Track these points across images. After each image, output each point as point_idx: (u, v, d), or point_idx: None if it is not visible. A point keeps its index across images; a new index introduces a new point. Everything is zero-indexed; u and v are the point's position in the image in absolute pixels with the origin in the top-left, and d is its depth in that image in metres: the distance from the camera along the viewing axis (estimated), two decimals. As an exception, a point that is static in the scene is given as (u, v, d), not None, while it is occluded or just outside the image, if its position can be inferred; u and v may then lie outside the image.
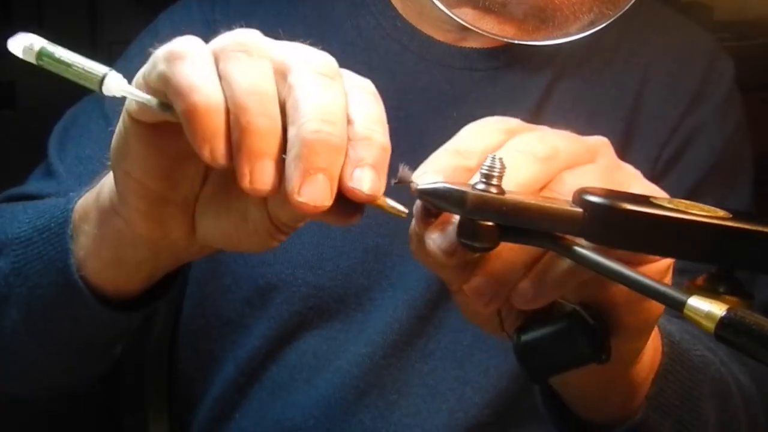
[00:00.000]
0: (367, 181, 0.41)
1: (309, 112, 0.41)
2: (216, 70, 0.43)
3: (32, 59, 0.45)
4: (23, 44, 0.45)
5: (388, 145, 0.43)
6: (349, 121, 0.42)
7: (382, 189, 0.42)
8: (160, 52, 0.43)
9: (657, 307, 0.52)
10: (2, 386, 0.73)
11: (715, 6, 1.64)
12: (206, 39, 0.45)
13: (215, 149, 0.41)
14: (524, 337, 0.49)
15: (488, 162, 0.42)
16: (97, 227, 0.56)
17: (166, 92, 0.43)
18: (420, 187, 0.44)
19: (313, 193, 0.40)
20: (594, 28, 0.74)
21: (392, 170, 0.45)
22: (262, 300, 0.79)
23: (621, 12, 0.74)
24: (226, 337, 0.82)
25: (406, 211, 0.44)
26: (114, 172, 0.50)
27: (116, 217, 0.52)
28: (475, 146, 0.46)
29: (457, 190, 0.42)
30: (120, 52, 0.88)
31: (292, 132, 0.41)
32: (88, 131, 0.80)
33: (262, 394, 0.81)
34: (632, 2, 0.74)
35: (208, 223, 0.50)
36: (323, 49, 0.45)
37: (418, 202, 0.45)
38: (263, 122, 0.41)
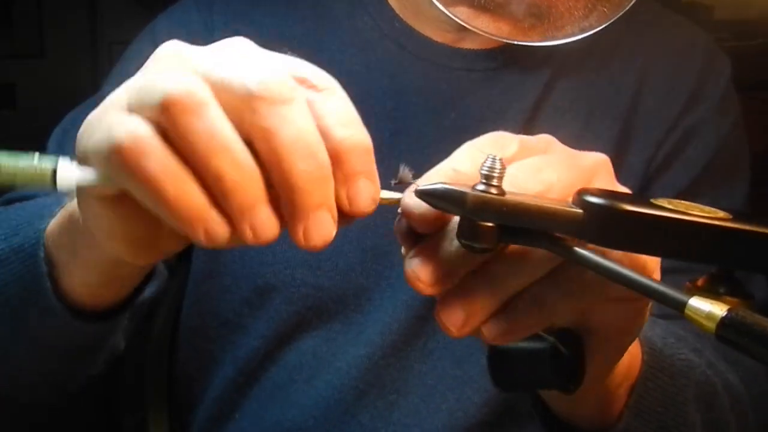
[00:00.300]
0: (364, 196, 0.41)
1: (282, 155, 0.38)
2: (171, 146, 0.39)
3: None
4: None
5: (368, 141, 0.41)
6: (323, 136, 0.40)
7: (378, 192, 0.42)
8: (105, 146, 0.39)
9: (634, 335, 0.53)
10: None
11: (715, 5, 1.64)
12: (205, 41, 0.44)
13: (210, 231, 0.39)
14: (500, 347, 0.50)
15: (488, 162, 0.42)
16: (80, 257, 0.55)
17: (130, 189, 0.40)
18: (420, 187, 0.44)
19: (319, 232, 0.40)
20: (593, 29, 0.74)
21: (392, 171, 0.45)
22: (260, 300, 0.79)
23: (620, 13, 0.74)
24: (224, 337, 0.82)
25: (400, 195, 0.44)
26: (93, 237, 0.46)
27: (106, 251, 0.50)
28: (471, 170, 0.44)
29: (457, 191, 0.42)
30: (120, 52, 0.88)
31: (275, 179, 0.39)
32: None
33: (261, 394, 0.81)
34: (632, 3, 0.74)
35: None
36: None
37: (402, 220, 0.45)
38: (241, 176, 0.39)
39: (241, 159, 0.39)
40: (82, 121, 0.87)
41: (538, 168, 0.45)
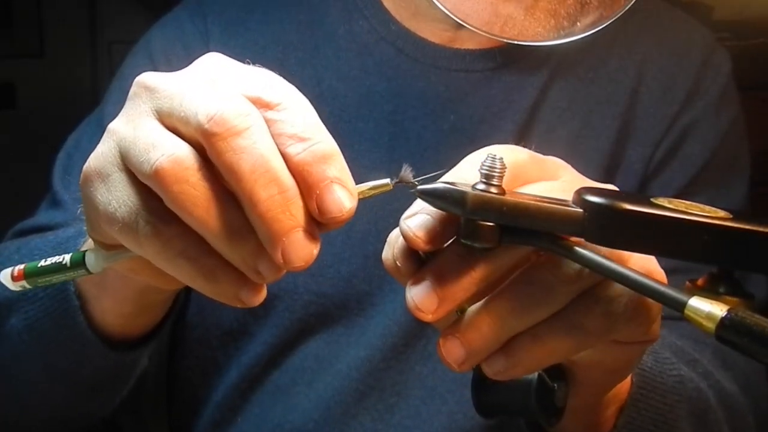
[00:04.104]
0: (333, 203, 0.41)
1: (246, 187, 0.39)
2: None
3: (24, 286, 0.48)
4: (8, 277, 0.48)
5: (327, 147, 0.41)
6: (282, 155, 0.40)
7: (355, 192, 0.42)
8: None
9: (625, 375, 0.53)
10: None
11: (715, 5, 1.64)
12: (200, 51, 0.45)
13: (243, 297, 0.42)
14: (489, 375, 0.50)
15: (488, 162, 0.42)
16: (110, 289, 0.57)
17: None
18: (420, 187, 0.43)
19: (297, 254, 0.40)
20: (593, 29, 0.74)
21: (392, 174, 0.44)
22: (264, 309, 0.79)
23: (620, 13, 0.74)
24: (228, 345, 0.82)
25: (389, 182, 0.44)
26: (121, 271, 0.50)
27: (137, 281, 0.52)
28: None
29: (457, 190, 0.42)
30: (120, 51, 0.87)
31: (247, 211, 0.40)
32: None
33: (263, 398, 0.81)
34: (632, 3, 0.73)
35: None
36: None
37: (401, 241, 0.45)
38: (219, 225, 0.40)
39: (233, 217, 0.40)
40: (84, 144, 0.87)
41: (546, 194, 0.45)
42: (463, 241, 0.43)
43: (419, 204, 0.44)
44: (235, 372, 0.81)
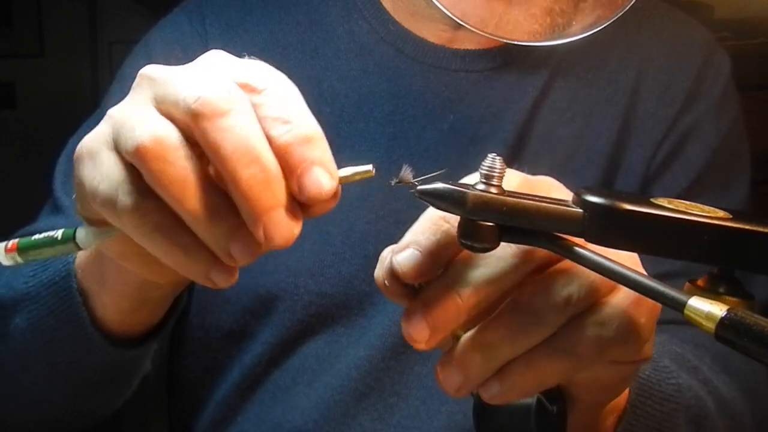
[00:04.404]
0: (313, 184, 0.41)
1: (228, 165, 0.40)
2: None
3: (16, 259, 0.48)
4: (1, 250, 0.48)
5: (310, 129, 0.42)
6: (267, 137, 0.41)
7: (336, 175, 0.42)
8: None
9: (621, 392, 0.54)
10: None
11: (715, 5, 1.64)
12: (199, 52, 0.46)
13: (214, 277, 0.43)
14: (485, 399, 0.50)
15: (488, 162, 0.42)
16: (109, 283, 0.57)
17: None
18: (420, 188, 0.43)
19: (279, 232, 0.41)
20: (593, 29, 0.74)
21: (391, 174, 0.44)
22: (264, 309, 0.79)
23: (620, 13, 0.74)
24: (229, 345, 0.82)
25: (372, 168, 0.44)
26: (112, 259, 0.51)
27: (134, 274, 0.53)
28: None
29: (457, 191, 0.42)
30: (120, 51, 0.87)
31: (230, 190, 0.41)
32: None
33: (264, 398, 0.81)
34: (632, 3, 0.73)
35: None
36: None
37: (387, 263, 0.45)
38: (201, 206, 0.41)
39: (210, 198, 0.41)
40: None
41: None
42: (462, 241, 0.43)
43: (409, 236, 0.45)
44: (236, 372, 0.81)
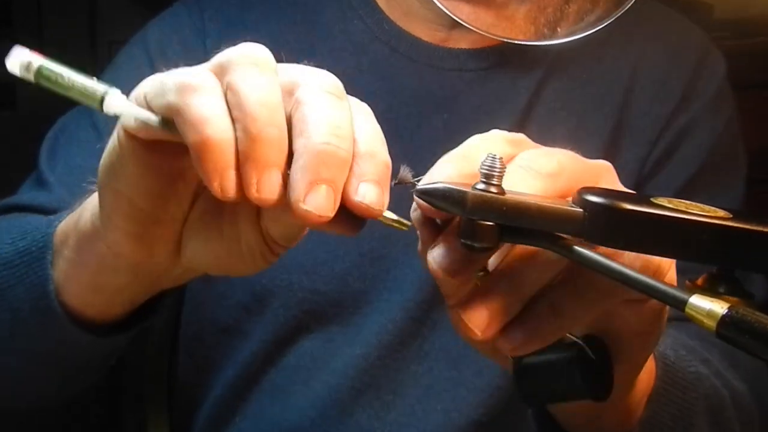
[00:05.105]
0: (371, 196, 0.42)
1: (318, 125, 0.41)
2: (225, 101, 0.42)
3: (30, 77, 0.44)
4: (20, 61, 0.44)
5: (390, 162, 0.43)
6: (353, 139, 0.42)
7: (386, 204, 0.43)
8: (170, 81, 0.42)
9: (656, 337, 0.52)
10: None
11: (715, 4, 1.64)
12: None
13: (225, 182, 0.41)
14: (525, 361, 0.49)
15: (488, 162, 0.42)
16: (76, 252, 0.55)
17: (177, 123, 0.42)
18: (420, 187, 0.44)
19: (318, 202, 0.41)
20: (592, 29, 0.74)
21: (393, 172, 0.45)
22: (259, 306, 0.79)
23: (619, 13, 0.74)
24: (223, 342, 0.82)
25: (408, 223, 0.45)
26: (102, 191, 0.49)
27: (97, 241, 0.51)
28: (482, 153, 0.45)
29: (457, 190, 0.42)
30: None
31: (300, 143, 0.41)
32: (77, 140, 0.80)
33: (261, 396, 0.81)
34: (630, 4, 0.73)
35: (197, 246, 0.49)
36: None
37: (417, 212, 0.45)
38: (272, 132, 0.41)
39: (279, 120, 0.42)
40: (70, 128, 0.87)
41: (551, 152, 0.46)
42: (462, 241, 0.43)
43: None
44: (231, 371, 0.81)
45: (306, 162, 0.41)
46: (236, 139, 0.41)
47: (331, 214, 0.41)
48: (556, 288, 0.45)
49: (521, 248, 0.45)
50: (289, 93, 0.43)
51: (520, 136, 0.48)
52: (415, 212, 0.46)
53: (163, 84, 0.43)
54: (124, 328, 0.61)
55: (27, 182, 0.81)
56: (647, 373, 0.58)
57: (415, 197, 0.45)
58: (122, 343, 0.64)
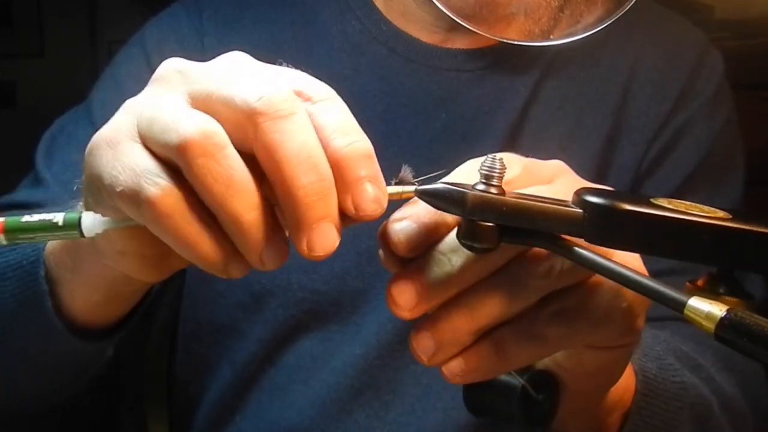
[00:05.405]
0: (368, 200, 0.41)
1: (287, 167, 0.39)
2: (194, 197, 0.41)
3: (0, 241, 0.44)
4: None
5: (368, 146, 0.42)
6: (324, 146, 0.41)
7: (386, 193, 0.42)
8: (136, 198, 0.41)
9: (615, 378, 0.53)
10: None
11: (716, 5, 1.63)
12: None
13: (229, 269, 0.42)
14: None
15: (488, 162, 0.42)
16: (83, 275, 0.56)
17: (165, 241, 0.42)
18: (420, 188, 0.43)
19: (323, 243, 0.40)
20: (592, 29, 0.74)
21: (391, 172, 0.44)
22: (257, 305, 0.79)
23: (619, 14, 0.74)
24: (219, 341, 0.82)
25: (413, 188, 0.44)
26: (103, 254, 0.49)
27: (111, 269, 0.51)
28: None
29: (457, 191, 0.42)
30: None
31: (278, 191, 0.40)
32: (75, 138, 0.80)
33: (260, 396, 0.81)
34: (629, 5, 0.73)
35: None
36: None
37: (382, 255, 0.46)
38: (250, 214, 0.40)
39: (256, 200, 0.40)
40: (68, 128, 0.87)
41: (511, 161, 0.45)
42: (462, 241, 0.43)
43: (409, 209, 0.45)
44: (230, 370, 0.81)
45: (292, 211, 0.40)
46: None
47: (336, 242, 0.41)
48: (506, 328, 0.45)
49: (476, 286, 0.45)
50: (244, 134, 0.40)
51: (516, 165, 0.47)
52: (380, 253, 0.46)
53: (113, 184, 0.41)
54: (121, 323, 0.62)
55: (24, 180, 0.81)
56: (622, 387, 0.59)
57: (415, 197, 0.45)
58: (117, 339, 0.65)
